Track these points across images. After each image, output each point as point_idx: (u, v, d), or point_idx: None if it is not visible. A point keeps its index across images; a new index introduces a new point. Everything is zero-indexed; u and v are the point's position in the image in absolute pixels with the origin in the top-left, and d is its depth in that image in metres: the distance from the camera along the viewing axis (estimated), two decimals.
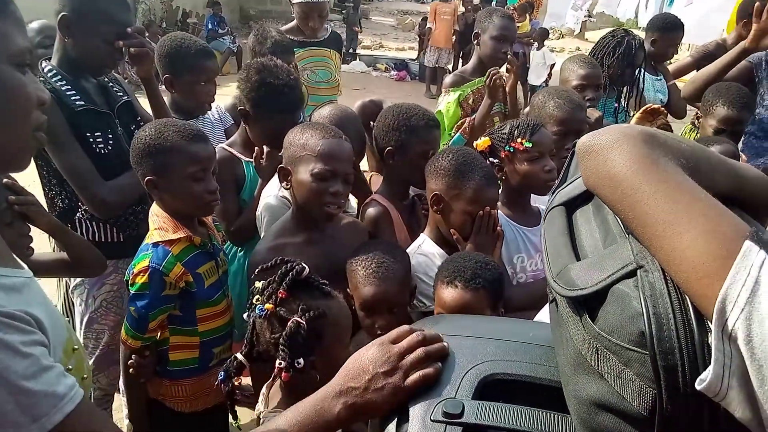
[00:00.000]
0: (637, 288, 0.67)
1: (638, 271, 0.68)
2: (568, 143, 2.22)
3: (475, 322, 1.18)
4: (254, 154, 2.22)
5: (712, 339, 0.59)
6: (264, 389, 1.36)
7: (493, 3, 11.72)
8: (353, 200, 2.43)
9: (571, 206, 0.88)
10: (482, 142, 2.18)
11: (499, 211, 2.08)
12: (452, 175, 1.88)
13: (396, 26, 21.00)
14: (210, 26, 12.17)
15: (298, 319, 1.24)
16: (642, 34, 3.44)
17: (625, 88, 3.18)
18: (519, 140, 2.06)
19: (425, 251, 1.97)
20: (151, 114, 2.36)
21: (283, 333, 1.24)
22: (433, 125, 2.21)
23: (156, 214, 1.88)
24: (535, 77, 9.71)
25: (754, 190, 0.83)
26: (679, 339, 0.63)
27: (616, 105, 3.11)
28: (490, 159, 2.17)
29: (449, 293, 1.63)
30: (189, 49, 2.47)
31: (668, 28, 3.51)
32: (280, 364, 1.22)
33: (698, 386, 0.59)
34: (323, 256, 1.84)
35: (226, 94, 3.38)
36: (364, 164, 2.60)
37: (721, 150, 2.31)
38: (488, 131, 2.28)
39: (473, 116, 2.89)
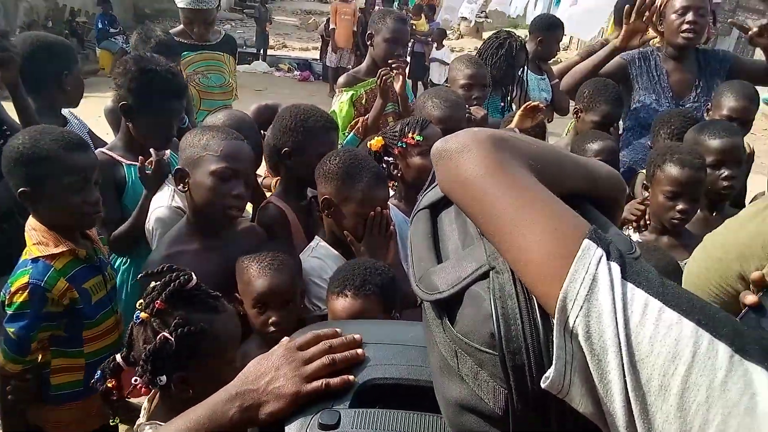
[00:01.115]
0: (489, 289, 0.68)
1: (491, 272, 0.69)
2: None
3: (355, 328, 1.20)
4: (138, 164, 2.14)
5: (554, 337, 0.61)
6: (146, 402, 1.33)
7: (395, 5, 11.88)
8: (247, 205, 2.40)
9: (436, 208, 0.88)
10: (375, 142, 2.23)
11: (395, 208, 2.14)
12: (341, 177, 1.88)
13: (299, 26, 20.78)
14: (100, 26, 11.55)
15: (167, 335, 1.20)
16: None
17: (509, 87, 3.33)
18: (410, 135, 2.12)
19: (319, 254, 1.98)
20: (18, 122, 2.24)
21: (148, 348, 1.20)
22: (330, 127, 2.22)
23: (34, 228, 1.78)
24: (436, 76, 9.96)
25: (605, 187, 0.87)
26: (525, 339, 0.64)
27: (502, 104, 3.27)
28: (385, 158, 2.22)
29: (340, 303, 1.62)
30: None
31: (550, 28, 3.70)
32: (135, 380, 1.18)
33: (543, 384, 0.61)
34: (220, 262, 1.81)
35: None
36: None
37: (603, 146, 2.47)
38: (381, 131, 2.33)
39: (366, 116, 2.93)
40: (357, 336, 0.96)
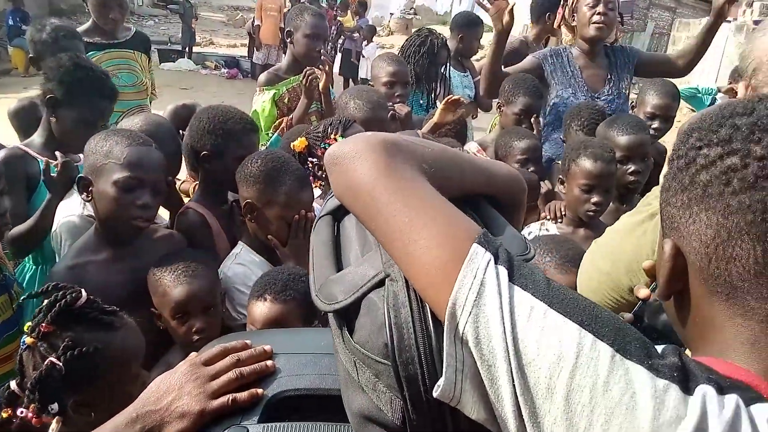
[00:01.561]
0: (384, 298, 0.67)
1: (386, 280, 0.69)
2: None
3: (266, 338, 1.18)
4: (43, 165, 2.00)
5: (444, 344, 0.61)
6: (54, 424, 1.26)
7: (323, 1, 11.78)
8: (165, 213, 2.32)
9: (338, 214, 0.86)
10: (299, 143, 2.19)
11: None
12: (262, 180, 1.84)
13: (227, 22, 20.36)
14: (11, 22, 10.93)
15: (54, 360, 1.13)
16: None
17: (432, 84, 3.36)
18: (333, 137, 2.10)
19: (243, 260, 1.93)
20: None
21: (34, 376, 1.13)
22: (250, 128, 2.17)
23: None
24: (365, 73, 9.95)
25: (504, 188, 0.88)
26: (418, 348, 0.64)
27: (424, 101, 3.29)
28: (309, 159, 2.19)
29: (259, 308, 1.58)
30: None
31: (470, 25, 3.75)
32: (21, 412, 1.11)
33: (435, 393, 0.61)
34: (131, 273, 1.74)
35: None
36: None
37: (529, 144, 2.54)
38: (304, 131, 2.29)
39: (290, 116, 2.88)
40: (267, 347, 0.94)
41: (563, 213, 2.31)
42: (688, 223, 0.64)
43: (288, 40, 3.11)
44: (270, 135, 2.91)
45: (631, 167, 2.34)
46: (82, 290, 1.23)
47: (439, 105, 2.69)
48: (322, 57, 3.02)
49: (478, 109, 3.84)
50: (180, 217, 2.09)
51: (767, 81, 1.13)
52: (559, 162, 2.71)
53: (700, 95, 5.05)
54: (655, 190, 1.26)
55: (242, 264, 1.92)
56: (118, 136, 1.77)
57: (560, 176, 2.29)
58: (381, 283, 0.69)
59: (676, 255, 0.66)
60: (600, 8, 2.96)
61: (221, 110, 2.12)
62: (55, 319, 1.17)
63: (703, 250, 0.63)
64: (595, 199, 2.16)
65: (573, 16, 3.10)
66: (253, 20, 10.54)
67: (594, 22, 2.98)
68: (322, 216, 0.87)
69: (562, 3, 3.18)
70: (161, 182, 1.80)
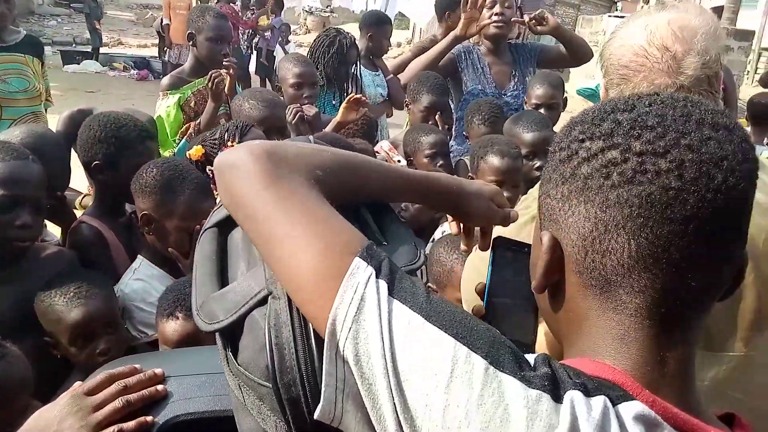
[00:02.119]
0: (266, 316, 0.65)
1: (269, 298, 0.66)
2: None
3: (156, 361, 1.12)
4: None
5: (324, 363, 0.59)
6: None
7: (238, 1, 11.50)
8: (56, 229, 2.18)
9: (226, 227, 0.82)
10: (195, 151, 2.10)
11: None
12: (159, 191, 1.76)
13: (136, 21, 19.54)
14: None
15: None
16: None
17: (344, 84, 3.34)
18: (229, 143, 2.02)
19: (143, 275, 1.83)
20: None
21: None
22: (146, 136, 2.06)
23: None
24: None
25: (403, 191, 0.86)
26: (300, 370, 0.62)
27: (335, 101, 3.26)
28: (208, 168, 2.11)
29: (171, 326, 1.51)
30: None
31: (378, 23, 3.77)
32: None
33: (315, 414, 0.59)
34: (17, 297, 1.62)
35: None
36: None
37: (436, 138, 2.56)
38: (201, 138, 2.21)
39: (198, 121, 2.78)
40: (158, 370, 0.91)
41: None
42: (566, 216, 0.64)
43: (190, 43, 3.00)
44: (177, 141, 2.79)
45: (537, 163, 2.41)
46: None
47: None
48: (226, 59, 2.93)
49: (392, 108, 3.85)
50: (72, 233, 1.97)
51: (614, 82, 1.16)
52: (465, 159, 2.77)
53: (597, 92, 5.30)
54: (533, 192, 1.29)
55: (141, 279, 1.82)
56: None
57: (469, 174, 2.32)
58: (264, 301, 0.66)
59: (553, 247, 0.66)
60: (497, 8, 3.11)
61: (113, 117, 2.01)
62: None
63: (580, 243, 0.63)
64: (504, 194, 2.20)
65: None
66: (162, 19, 10.14)
67: (492, 23, 3.12)
68: (207, 228, 0.83)
69: (462, 2, 3.26)
70: (41, 198, 1.68)
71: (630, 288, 0.61)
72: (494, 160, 2.21)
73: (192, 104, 2.87)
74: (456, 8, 3.81)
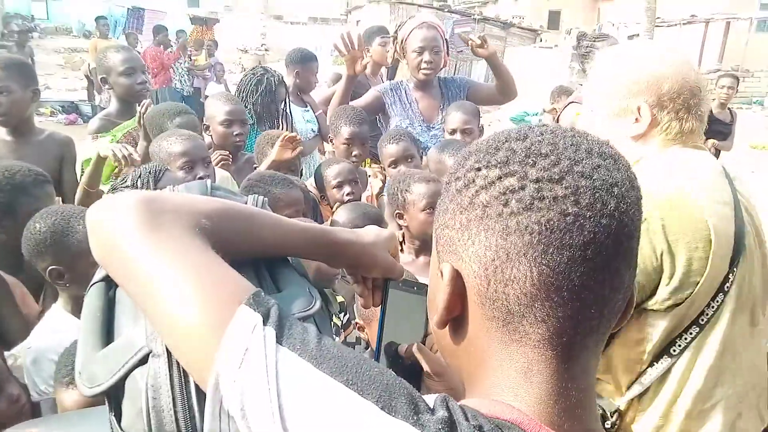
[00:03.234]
0: (145, 377, 0.62)
1: (149, 356, 0.63)
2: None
3: (66, 422, 1.05)
4: None
5: (206, 420, 0.56)
6: None
7: (175, 41, 11.41)
8: None
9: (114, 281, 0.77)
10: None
11: None
12: (54, 241, 1.68)
13: (64, 65, 19.07)
14: None
15: None
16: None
17: (275, 121, 3.35)
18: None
19: (55, 327, 1.74)
20: None
21: None
22: (43, 180, 2.01)
23: None
24: None
25: (302, 245, 0.82)
26: None
27: None
28: None
29: (70, 397, 1.40)
30: None
31: (305, 60, 3.83)
32: None
33: None
34: None
35: None
36: None
37: (339, 168, 2.59)
38: (111, 183, 2.15)
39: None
40: None
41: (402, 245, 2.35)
42: (467, 245, 0.63)
43: (106, 87, 2.95)
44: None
45: None
46: None
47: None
48: (143, 88, 2.89)
49: (323, 143, 3.87)
50: None
51: (622, 95, 1.45)
52: (383, 195, 2.79)
53: (528, 117, 5.51)
54: None
55: (57, 331, 1.72)
56: None
57: (396, 212, 2.29)
58: (143, 361, 0.63)
59: (454, 278, 0.64)
60: (426, 56, 3.17)
61: (4, 165, 1.95)
62: None
63: (482, 272, 0.62)
64: None
65: (402, 53, 3.28)
66: (89, 63, 9.95)
67: (422, 69, 3.19)
68: (94, 284, 0.77)
69: (392, 39, 3.34)
70: None
71: (533, 318, 0.60)
72: (420, 187, 2.19)
73: None
74: (381, 34, 3.95)
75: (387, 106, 3.30)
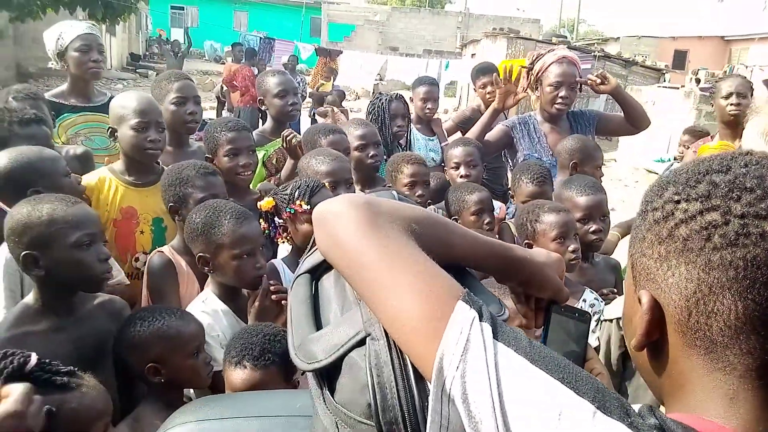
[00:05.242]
0: (365, 357, 0.68)
1: (367, 339, 0.69)
2: None
3: (241, 401, 1.14)
4: None
5: (430, 400, 0.60)
6: None
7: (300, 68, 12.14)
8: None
9: (317, 273, 0.87)
10: (266, 203, 2.22)
11: (288, 268, 2.12)
12: (202, 232, 1.89)
13: (196, 85, 20.56)
14: None
15: None
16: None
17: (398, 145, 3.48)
18: (299, 202, 2.12)
19: (210, 309, 1.92)
20: None
21: None
22: (209, 172, 2.25)
23: None
24: None
25: (486, 260, 0.88)
26: (402, 408, 0.64)
27: None
28: (276, 219, 2.22)
29: (239, 375, 1.56)
30: None
31: (429, 83, 3.97)
32: None
33: None
34: (74, 343, 1.65)
35: None
36: None
37: (481, 196, 2.64)
38: (272, 191, 2.32)
39: (278, 175, 2.92)
40: None
41: None
42: (666, 276, 0.64)
43: (263, 107, 3.21)
44: None
45: (593, 226, 2.36)
46: (32, 354, 1.18)
47: None
48: (294, 109, 3.12)
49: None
50: (149, 260, 2.17)
51: None
52: (509, 223, 2.78)
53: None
54: None
55: (207, 313, 1.90)
56: None
57: (526, 242, 2.27)
58: (362, 342, 0.69)
59: (653, 307, 0.66)
60: (562, 92, 3.17)
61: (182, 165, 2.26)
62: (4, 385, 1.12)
63: (683, 303, 0.63)
64: (572, 246, 2.17)
65: (536, 85, 3.30)
66: (222, 86, 10.75)
67: (557, 104, 3.20)
68: (300, 275, 0.88)
69: (526, 72, 3.36)
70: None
71: (738, 350, 0.61)
72: (551, 217, 2.18)
73: (274, 161, 3.05)
74: (489, 73, 3.98)
75: (515, 140, 3.32)
